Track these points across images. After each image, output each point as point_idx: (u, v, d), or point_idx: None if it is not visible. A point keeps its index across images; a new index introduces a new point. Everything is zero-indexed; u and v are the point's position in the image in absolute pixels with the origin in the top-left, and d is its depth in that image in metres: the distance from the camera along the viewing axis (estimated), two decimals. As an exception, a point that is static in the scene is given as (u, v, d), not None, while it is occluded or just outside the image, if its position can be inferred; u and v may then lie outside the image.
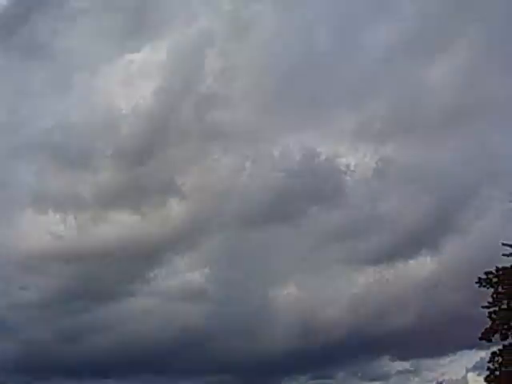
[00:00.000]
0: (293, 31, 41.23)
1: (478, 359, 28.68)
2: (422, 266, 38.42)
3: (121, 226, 38.25)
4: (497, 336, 21.49)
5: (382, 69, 40.66)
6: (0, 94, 38.45)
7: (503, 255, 21.59)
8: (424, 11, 40.50)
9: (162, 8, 39.57)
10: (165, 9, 39.72)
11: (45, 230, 37.95)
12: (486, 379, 22.02)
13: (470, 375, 32.11)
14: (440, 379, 34.59)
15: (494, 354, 21.58)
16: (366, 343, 35.52)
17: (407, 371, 37.07)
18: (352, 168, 39.64)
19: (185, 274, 39.03)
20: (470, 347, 30.34)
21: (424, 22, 40.27)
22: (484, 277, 21.62)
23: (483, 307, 21.61)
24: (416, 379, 37.37)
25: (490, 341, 21.54)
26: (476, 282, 21.71)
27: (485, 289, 21.70)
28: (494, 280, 21.56)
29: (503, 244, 21.65)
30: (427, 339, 33.65)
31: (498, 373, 21.53)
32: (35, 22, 38.19)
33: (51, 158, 38.04)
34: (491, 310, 21.48)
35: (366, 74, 40.50)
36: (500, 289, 21.54)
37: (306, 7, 41.53)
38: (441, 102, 39.69)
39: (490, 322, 21.45)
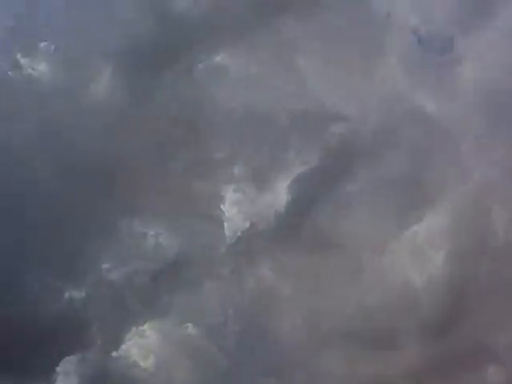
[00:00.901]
0: None
1: None
2: None
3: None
4: None
5: None
6: (296, 292, 38.95)
7: None
8: None
9: (434, 172, 38.98)
10: (437, 172, 39.02)
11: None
12: None
13: None
14: None
15: None
16: None
17: None
18: None
19: None
20: None
21: None
22: None
23: None
24: None
25: None
26: None
27: None
28: None
29: None
30: None
31: None
32: (316, 213, 38.93)
33: (356, 343, 37.97)
34: None
35: None
36: None
37: None
38: None
39: None
